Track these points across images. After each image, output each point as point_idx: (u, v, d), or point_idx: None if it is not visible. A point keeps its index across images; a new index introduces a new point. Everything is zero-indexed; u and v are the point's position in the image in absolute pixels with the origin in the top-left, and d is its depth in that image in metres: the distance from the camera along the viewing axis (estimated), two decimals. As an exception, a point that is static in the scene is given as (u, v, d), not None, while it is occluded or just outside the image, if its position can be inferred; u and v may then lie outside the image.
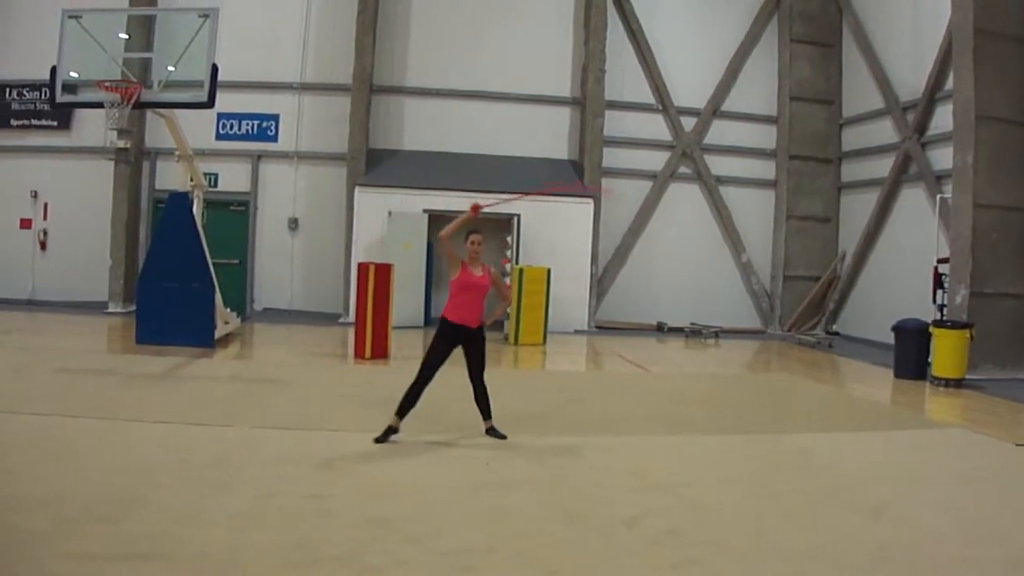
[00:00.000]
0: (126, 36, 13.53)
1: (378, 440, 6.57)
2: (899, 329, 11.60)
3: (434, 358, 6.70)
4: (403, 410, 6.67)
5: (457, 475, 5.89)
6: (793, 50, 16.86)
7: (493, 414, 6.98)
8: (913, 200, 14.70)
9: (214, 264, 12.26)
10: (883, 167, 15.40)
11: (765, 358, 14.24)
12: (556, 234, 15.22)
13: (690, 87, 16.73)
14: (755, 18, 17.03)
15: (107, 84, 11.00)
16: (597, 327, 15.92)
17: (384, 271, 12.01)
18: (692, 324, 16.02)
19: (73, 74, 11.32)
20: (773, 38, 17.14)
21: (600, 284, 16.28)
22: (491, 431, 6.90)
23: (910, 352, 11.40)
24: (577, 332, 15.43)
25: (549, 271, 13.98)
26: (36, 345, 11.78)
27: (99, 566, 4.03)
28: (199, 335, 11.79)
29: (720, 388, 10.51)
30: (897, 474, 6.39)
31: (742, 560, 4.42)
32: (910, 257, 14.28)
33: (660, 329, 16.24)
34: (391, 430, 6.65)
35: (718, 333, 15.82)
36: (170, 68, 11.31)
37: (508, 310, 6.92)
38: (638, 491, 5.59)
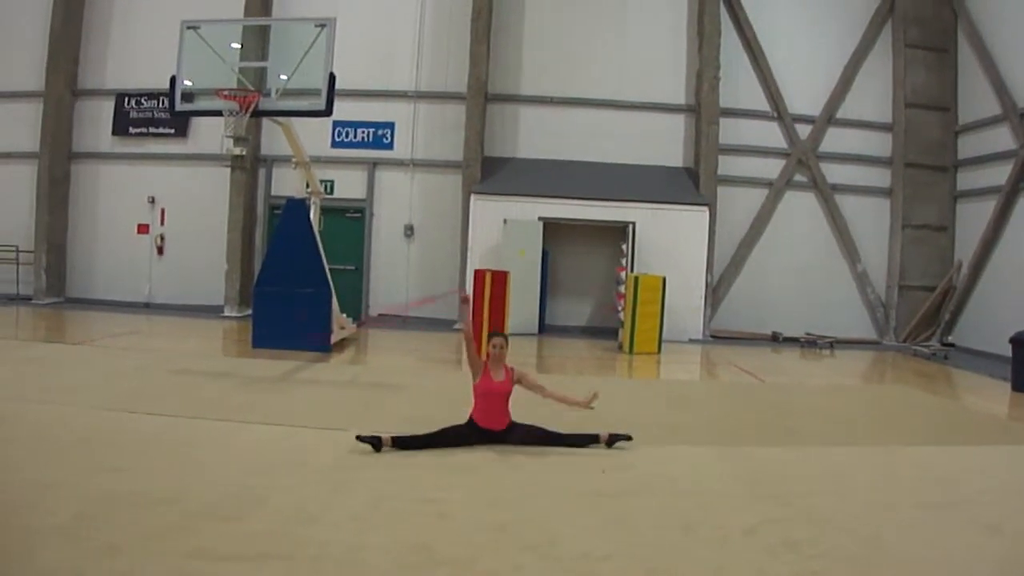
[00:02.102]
0: (239, 46, 13.81)
1: (360, 437, 6.48)
2: (1018, 341, 11.33)
3: (453, 438, 6.61)
4: (403, 444, 6.48)
5: (573, 482, 5.92)
6: (907, 56, 16.61)
7: (604, 430, 6.94)
8: (1032, 209, 14.40)
9: (330, 270, 12.47)
10: (1000, 175, 15.10)
11: (880, 369, 14.08)
12: (671, 242, 15.22)
13: (804, 94, 16.60)
14: (869, 23, 16.83)
15: (226, 93, 11.24)
16: (712, 336, 15.83)
17: (500, 278, 12.11)
18: (807, 334, 15.88)
19: (187, 83, 11.57)
20: (887, 43, 16.92)
21: (715, 293, 16.20)
22: (611, 439, 6.85)
23: (1029, 365, 11.09)
24: (692, 341, 15.38)
25: (664, 280, 13.91)
26: (154, 347, 12.15)
27: (221, 564, 4.15)
28: (315, 340, 12.00)
29: (835, 399, 10.38)
30: (1016, 490, 6.28)
31: (860, 572, 4.41)
32: (1029, 267, 14.00)
33: (775, 339, 16.12)
34: (377, 442, 6.42)
35: (833, 344, 15.63)
36: (283, 77, 11.49)
37: (592, 403, 6.81)
38: (755, 501, 5.59)
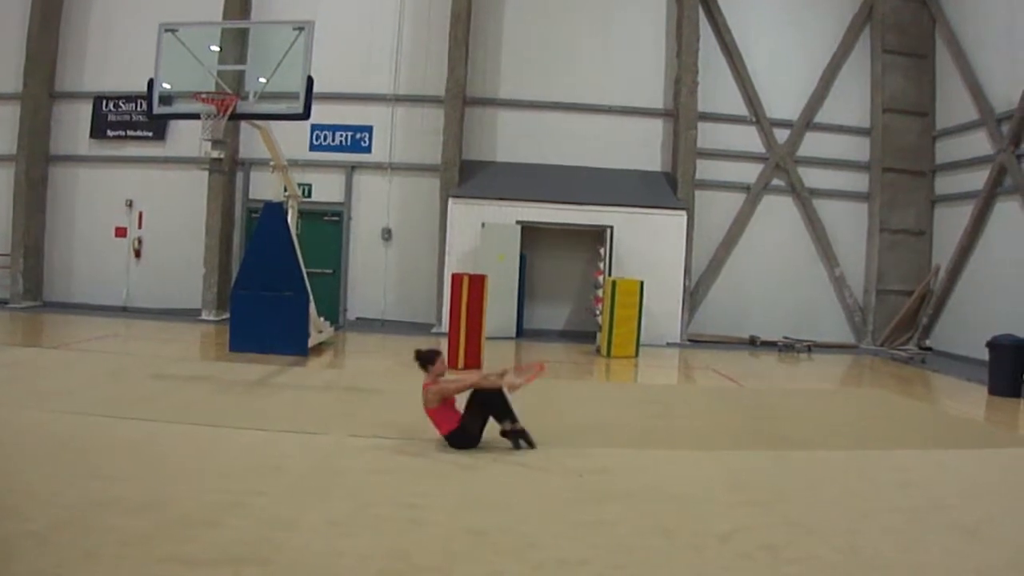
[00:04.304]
0: (217, 49, 13.86)
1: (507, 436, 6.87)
2: (994, 345, 11.52)
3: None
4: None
5: (551, 487, 5.97)
6: (886, 61, 16.78)
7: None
8: (1009, 213, 14.59)
9: (308, 273, 12.54)
10: (978, 180, 15.28)
11: (857, 373, 14.23)
12: (649, 246, 15.38)
13: (783, 99, 16.78)
14: (847, 29, 17.02)
15: (203, 96, 11.28)
16: (690, 340, 15.93)
17: (478, 282, 12.16)
18: (785, 338, 15.99)
19: (166, 85, 11.56)
20: (866, 49, 17.12)
21: (693, 297, 16.32)
22: (513, 433, 6.94)
23: (1006, 368, 11.32)
24: (670, 345, 15.50)
25: (642, 284, 13.98)
26: (132, 351, 12.20)
27: (197, 570, 4.17)
28: (293, 344, 12.06)
29: (813, 403, 10.49)
30: (994, 493, 6.35)
31: (837, 577, 4.45)
32: (1006, 271, 14.23)
33: (753, 343, 16.24)
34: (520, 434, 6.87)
35: (811, 347, 15.74)
36: (261, 80, 11.52)
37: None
38: (732, 506, 5.64)
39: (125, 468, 5.93)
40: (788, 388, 11.86)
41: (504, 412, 6.83)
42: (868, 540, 5.05)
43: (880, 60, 16.83)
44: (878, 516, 5.55)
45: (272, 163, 12.61)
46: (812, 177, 16.87)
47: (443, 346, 13.31)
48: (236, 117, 11.62)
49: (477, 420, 6.82)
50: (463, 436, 6.79)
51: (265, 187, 16.00)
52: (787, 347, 15.81)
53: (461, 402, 6.97)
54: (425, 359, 6.90)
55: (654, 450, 7.25)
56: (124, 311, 16.71)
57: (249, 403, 8.58)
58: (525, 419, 7.08)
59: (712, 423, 8.76)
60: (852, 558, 4.73)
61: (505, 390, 6.80)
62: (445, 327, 14.16)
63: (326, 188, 16.42)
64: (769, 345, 16.03)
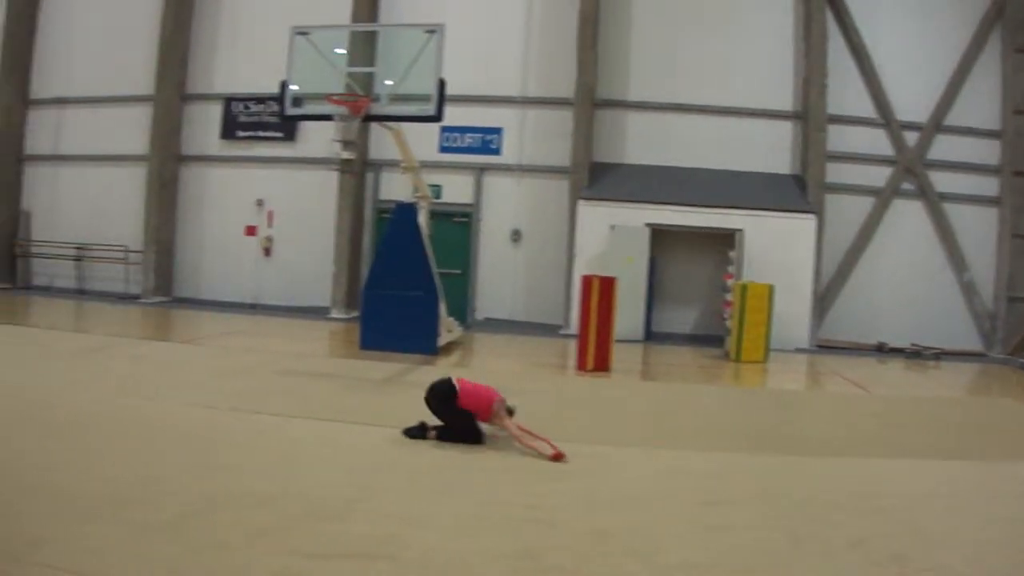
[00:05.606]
0: (343, 51, 14.07)
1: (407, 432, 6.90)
2: None
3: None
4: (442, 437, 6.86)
5: (678, 490, 5.96)
6: (1016, 61, 16.44)
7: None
8: None
9: (438, 274, 12.67)
10: (1114, 184, 14.87)
11: (986, 382, 14.06)
12: (778, 250, 15.32)
13: (911, 100, 16.53)
14: (977, 28, 16.68)
15: (336, 98, 11.44)
16: (818, 346, 15.83)
17: (608, 284, 12.18)
18: (913, 345, 15.78)
19: (294, 87, 11.75)
20: (996, 49, 16.74)
21: (822, 302, 16.18)
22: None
23: None
24: (798, 350, 15.40)
25: (772, 288, 13.92)
26: (260, 347, 12.37)
27: (326, 563, 4.20)
28: (423, 343, 12.21)
29: (942, 412, 10.30)
30: None
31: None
32: None
33: (880, 349, 16.06)
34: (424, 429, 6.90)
35: (939, 355, 15.52)
36: (388, 82, 11.68)
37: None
38: (861, 513, 5.55)
39: (253, 461, 6.06)
40: (916, 396, 11.69)
41: (458, 431, 6.88)
42: (1000, 551, 4.97)
43: (1011, 60, 16.48)
44: (1014, 525, 5.47)
45: (403, 164, 12.77)
46: (941, 181, 16.61)
47: (570, 348, 13.60)
48: (369, 119, 11.80)
49: (462, 419, 6.90)
50: (452, 410, 6.88)
51: (394, 188, 16.40)
52: (915, 354, 15.64)
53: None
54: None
55: (781, 455, 7.21)
56: (253, 308, 17.19)
57: (377, 400, 8.67)
58: (655, 422, 7.26)
59: (840, 430, 8.66)
60: (982, 570, 4.65)
61: (512, 432, 6.78)
62: (573, 329, 14.33)
63: (456, 189, 16.68)
64: (897, 352, 15.87)
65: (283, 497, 5.18)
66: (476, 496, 5.52)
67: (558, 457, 6.44)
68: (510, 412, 6.91)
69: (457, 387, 6.88)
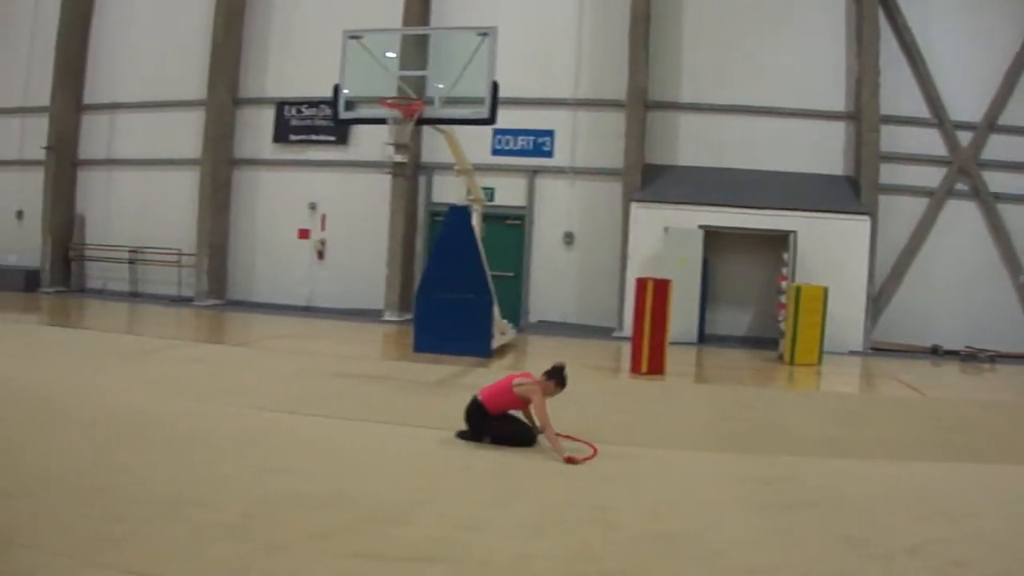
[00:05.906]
0: (394, 55, 14.15)
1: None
2: None
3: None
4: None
5: (738, 494, 5.99)
6: (1071, 60, 16.21)
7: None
8: None
9: (491, 276, 12.73)
10: None
11: (1043, 386, 13.83)
12: (832, 252, 15.27)
13: (965, 100, 16.40)
14: (1030, 26, 16.43)
15: (389, 101, 11.46)
16: (872, 348, 15.78)
17: (662, 286, 12.19)
18: (967, 347, 15.69)
19: (346, 91, 11.83)
20: (1050, 47, 16.50)
21: (876, 304, 16.12)
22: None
23: None
24: (852, 353, 15.38)
25: (826, 290, 13.90)
26: (315, 350, 12.51)
27: (389, 566, 4.24)
28: (477, 345, 12.30)
29: (998, 415, 10.22)
30: None
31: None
32: None
33: (935, 352, 15.98)
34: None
35: (994, 357, 15.42)
36: (440, 85, 11.71)
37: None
38: (920, 519, 5.53)
39: (311, 463, 6.11)
40: (972, 399, 11.63)
41: (504, 438, 6.95)
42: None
43: (1065, 58, 16.34)
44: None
45: (456, 167, 12.85)
46: (995, 181, 16.48)
47: (624, 350, 13.64)
48: (423, 122, 11.85)
49: (504, 426, 6.99)
50: (491, 424, 6.96)
51: (447, 191, 16.53)
52: (970, 356, 15.55)
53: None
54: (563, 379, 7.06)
55: (839, 459, 7.22)
56: (306, 310, 17.38)
57: (432, 403, 8.70)
58: (715, 423, 7.34)
59: (896, 433, 8.65)
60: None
61: (550, 443, 6.76)
62: (626, 331, 14.35)
63: (508, 192, 16.78)
64: (951, 354, 15.78)
65: (342, 500, 5.25)
66: (535, 499, 5.56)
67: (571, 461, 6.47)
68: (561, 382, 7.03)
69: (481, 399, 6.99)
